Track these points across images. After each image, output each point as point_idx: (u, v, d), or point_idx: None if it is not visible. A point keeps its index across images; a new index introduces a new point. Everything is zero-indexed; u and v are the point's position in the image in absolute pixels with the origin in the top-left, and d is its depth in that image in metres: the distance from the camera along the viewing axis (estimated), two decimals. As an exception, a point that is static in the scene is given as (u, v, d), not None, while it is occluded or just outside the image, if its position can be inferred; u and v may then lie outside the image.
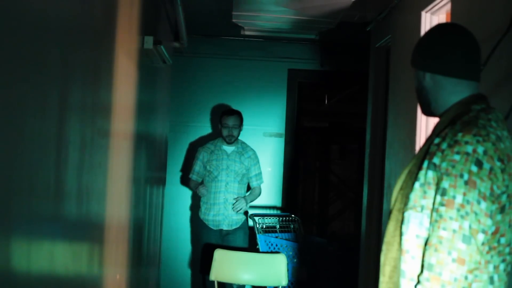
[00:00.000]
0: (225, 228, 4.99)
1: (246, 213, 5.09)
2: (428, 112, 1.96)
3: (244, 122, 5.46)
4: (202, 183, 5.08)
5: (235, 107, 5.99)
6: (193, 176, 5.17)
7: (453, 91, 1.85)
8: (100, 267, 2.28)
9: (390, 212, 1.87)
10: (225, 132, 5.04)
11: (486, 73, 2.53)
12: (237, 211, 4.96)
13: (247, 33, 5.65)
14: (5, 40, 1.14)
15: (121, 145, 2.65)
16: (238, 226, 5.02)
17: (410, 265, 1.75)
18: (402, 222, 1.79)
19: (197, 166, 5.15)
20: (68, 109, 1.66)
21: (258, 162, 5.18)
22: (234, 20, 5.16)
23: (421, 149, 1.83)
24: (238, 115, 5.10)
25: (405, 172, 1.84)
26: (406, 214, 1.76)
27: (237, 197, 5.00)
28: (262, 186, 5.27)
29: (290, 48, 6.20)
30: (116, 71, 2.41)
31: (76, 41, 1.74)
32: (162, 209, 5.40)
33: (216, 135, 5.61)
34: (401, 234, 1.79)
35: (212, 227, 4.99)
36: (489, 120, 1.75)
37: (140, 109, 3.26)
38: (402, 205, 1.80)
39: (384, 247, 1.86)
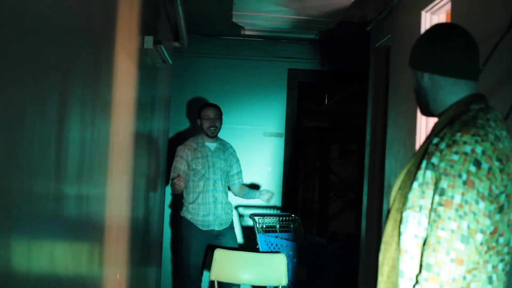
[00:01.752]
0: (216, 228, 4.80)
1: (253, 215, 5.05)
2: (426, 112, 1.96)
3: (244, 122, 5.45)
4: (178, 176, 4.69)
5: (235, 107, 6.01)
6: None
7: (452, 91, 1.85)
8: (100, 267, 2.28)
9: (388, 212, 1.87)
10: (206, 124, 4.81)
11: (486, 73, 2.53)
12: (268, 200, 4.93)
13: (247, 33, 5.65)
14: (5, 40, 1.14)
15: (121, 145, 2.65)
16: (227, 226, 4.87)
17: (408, 265, 1.75)
18: (400, 222, 1.79)
19: (182, 165, 4.84)
20: (68, 109, 1.66)
21: (238, 159, 5.07)
22: (234, 20, 5.16)
23: (420, 149, 1.83)
24: (218, 107, 4.93)
25: (404, 172, 1.84)
26: (404, 214, 1.76)
27: (264, 190, 4.97)
28: (262, 185, 5.26)
29: (290, 48, 6.20)
30: (116, 71, 2.41)
31: (76, 41, 1.74)
32: (162, 209, 5.40)
33: (193, 132, 5.51)
34: (399, 234, 1.79)
35: (201, 228, 4.79)
36: (487, 120, 1.75)
37: (141, 109, 3.26)
38: (400, 205, 1.80)
39: (382, 247, 1.86)
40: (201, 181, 4.82)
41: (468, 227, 1.63)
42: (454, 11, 3.15)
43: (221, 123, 4.91)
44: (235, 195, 5.18)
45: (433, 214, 1.68)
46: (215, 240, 4.82)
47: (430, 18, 3.57)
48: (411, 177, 1.78)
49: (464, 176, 1.65)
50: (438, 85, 1.86)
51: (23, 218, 1.32)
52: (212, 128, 4.83)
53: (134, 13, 2.88)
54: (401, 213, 1.78)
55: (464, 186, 1.65)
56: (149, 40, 3.21)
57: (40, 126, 1.41)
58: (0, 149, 1.15)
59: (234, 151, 5.05)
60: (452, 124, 1.77)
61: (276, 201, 6.14)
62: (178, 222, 5.33)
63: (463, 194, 1.65)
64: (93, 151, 2.03)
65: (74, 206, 1.79)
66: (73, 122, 1.74)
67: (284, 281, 3.92)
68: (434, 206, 1.68)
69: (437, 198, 1.68)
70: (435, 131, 1.82)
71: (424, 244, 1.71)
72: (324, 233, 8.75)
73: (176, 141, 6.00)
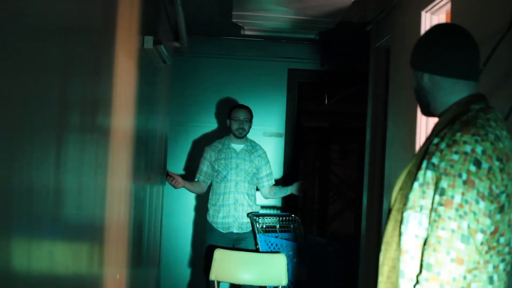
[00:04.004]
0: (235, 231, 4.79)
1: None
2: (427, 112, 1.96)
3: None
4: (168, 175, 4.84)
5: (235, 107, 6.00)
6: (200, 178, 4.92)
7: (452, 91, 1.85)
8: (100, 266, 2.28)
9: (389, 212, 1.87)
10: (235, 125, 4.83)
11: (486, 73, 2.53)
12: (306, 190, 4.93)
13: (247, 33, 5.65)
14: (5, 40, 1.14)
15: (121, 145, 2.65)
16: (249, 230, 4.85)
17: (409, 265, 1.75)
18: (401, 222, 1.79)
19: (205, 166, 4.91)
20: (68, 109, 1.66)
21: (268, 161, 5.02)
22: (234, 20, 5.16)
23: (420, 149, 1.83)
24: (249, 109, 4.94)
25: (405, 172, 1.84)
26: (405, 214, 1.76)
27: (299, 182, 5.00)
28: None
29: (290, 48, 6.20)
30: (116, 71, 2.41)
31: (76, 41, 1.74)
32: (162, 209, 5.40)
33: (222, 133, 5.56)
34: (400, 234, 1.79)
35: (221, 230, 4.79)
36: (488, 119, 1.75)
37: (140, 109, 3.26)
38: (401, 205, 1.80)
39: (382, 247, 1.86)
40: (222, 183, 4.83)
41: (468, 226, 1.63)
42: (454, 11, 3.15)
43: (250, 126, 4.92)
44: (265, 198, 5.17)
45: (433, 214, 1.68)
46: (236, 244, 4.80)
47: (430, 18, 3.57)
48: (412, 177, 1.78)
49: (464, 176, 1.65)
50: (438, 85, 1.87)
51: (23, 218, 1.32)
52: (240, 130, 4.84)
53: (134, 13, 2.88)
54: (402, 213, 1.79)
55: (464, 185, 1.65)
56: (149, 40, 3.21)
57: (40, 126, 1.41)
58: (0, 149, 1.15)
59: (264, 153, 5.01)
60: (452, 124, 1.77)
61: (276, 201, 6.14)
62: (201, 225, 5.41)
63: (463, 194, 1.64)
64: (93, 151, 2.03)
65: (74, 206, 1.79)
66: (73, 122, 1.74)
67: (284, 281, 3.92)
68: (435, 206, 1.68)
69: (437, 198, 1.68)
70: (435, 131, 1.82)
71: (424, 244, 1.71)
72: (324, 233, 8.75)
73: (201, 142, 6.02)
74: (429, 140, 1.81)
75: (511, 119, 2.37)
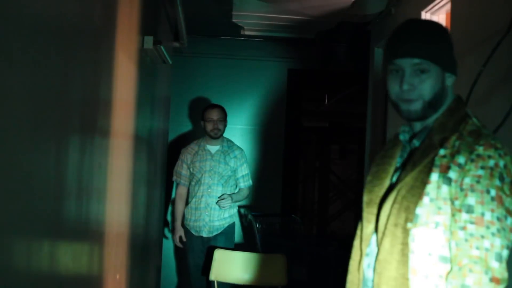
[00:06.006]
0: (205, 235, 4.69)
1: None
2: (421, 116, 1.80)
3: (244, 123, 5.42)
4: (182, 234, 4.78)
5: (235, 107, 5.99)
6: (181, 182, 4.85)
7: (451, 93, 1.83)
8: (100, 267, 2.28)
9: (384, 228, 1.75)
10: (209, 126, 4.71)
11: (486, 73, 2.53)
12: (223, 207, 4.64)
13: (247, 33, 5.65)
14: (5, 40, 1.14)
15: (121, 145, 2.65)
16: (220, 231, 4.71)
17: (423, 285, 1.67)
18: (406, 239, 1.69)
19: (184, 170, 4.84)
20: (68, 109, 1.66)
21: (245, 162, 4.86)
22: (234, 20, 5.16)
23: (418, 161, 1.73)
24: (222, 109, 4.82)
25: (403, 184, 1.73)
26: (415, 231, 1.68)
27: (222, 194, 4.67)
28: (262, 185, 5.22)
29: (290, 48, 6.20)
30: (116, 71, 2.41)
31: (76, 41, 1.74)
32: (163, 209, 5.40)
33: (199, 134, 5.48)
34: (401, 251, 1.70)
35: (193, 233, 4.73)
36: (484, 127, 1.74)
37: (140, 109, 3.26)
38: (400, 220, 1.71)
39: (377, 266, 1.75)
40: (196, 186, 4.74)
41: (501, 244, 1.59)
42: (454, 11, 3.14)
43: (225, 125, 4.79)
44: None
45: (461, 232, 1.62)
46: (208, 244, 4.72)
47: (430, 18, 3.57)
48: (413, 191, 1.70)
49: (493, 192, 1.60)
50: (451, 86, 1.82)
51: (23, 218, 1.32)
52: (215, 130, 4.72)
53: (134, 13, 2.88)
54: (406, 229, 1.69)
55: (493, 202, 1.60)
56: (149, 40, 3.21)
57: (40, 126, 1.41)
58: (0, 149, 1.15)
59: (240, 153, 4.84)
60: (452, 132, 1.72)
61: (276, 201, 6.14)
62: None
63: (492, 211, 1.60)
64: (93, 151, 2.03)
65: (74, 206, 1.79)
66: (73, 122, 1.74)
67: (284, 281, 3.92)
68: (462, 224, 1.62)
69: (465, 215, 1.62)
70: (435, 140, 1.75)
71: (450, 263, 1.64)
72: (324, 233, 8.75)
73: (177, 142, 6.00)
74: (426, 150, 1.74)
75: (511, 119, 2.37)
